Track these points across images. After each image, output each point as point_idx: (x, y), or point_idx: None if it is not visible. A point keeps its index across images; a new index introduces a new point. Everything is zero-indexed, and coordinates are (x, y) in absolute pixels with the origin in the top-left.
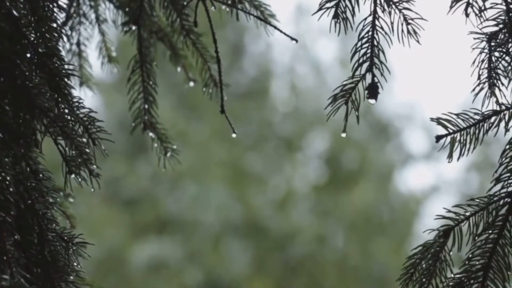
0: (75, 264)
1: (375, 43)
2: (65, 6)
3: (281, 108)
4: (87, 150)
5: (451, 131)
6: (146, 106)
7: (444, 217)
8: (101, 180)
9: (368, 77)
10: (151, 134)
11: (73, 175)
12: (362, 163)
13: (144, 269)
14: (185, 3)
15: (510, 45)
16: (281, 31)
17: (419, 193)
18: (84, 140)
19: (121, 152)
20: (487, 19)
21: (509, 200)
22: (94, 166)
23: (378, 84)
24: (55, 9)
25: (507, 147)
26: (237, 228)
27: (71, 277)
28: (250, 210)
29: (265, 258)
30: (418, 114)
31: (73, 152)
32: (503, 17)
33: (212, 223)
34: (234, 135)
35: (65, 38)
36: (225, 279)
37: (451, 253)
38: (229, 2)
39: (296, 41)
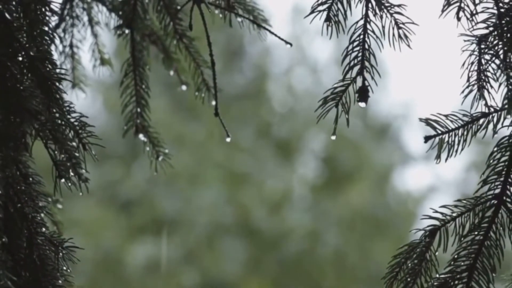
0: (64, 268)
1: (366, 46)
2: (57, 9)
3: (278, 109)
4: (77, 155)
5: (439, 132)
6: (139, 110)
7: (430, 217)
8: (98, 182)
9: (359, 80)
10: (143, 138)
11: (63, 180)
12: (360, 163)
13: (141, 270)
14: (178, 7)
15: (499, 47)
16: (275, 35)
17: (418, 193)
18: (74, 144)
19: (119, 153)
20: (478, 23)
21: (495, 202)
22: (83, 171)
23: (369, 87)
24: (48, 13)
25: (495, 149)
26: (234, 228)
27: (60, 281)
28: (247, 210)
29: (262, 258)
30: (416, 114)
31: (63, 156)
32: (493, 20)
33: (209, 224)
34: (228, 139)
35: (57, 40)
36: (223, 279)
37: (436, 253)
38: (223, 6)
39: (291, 44)
